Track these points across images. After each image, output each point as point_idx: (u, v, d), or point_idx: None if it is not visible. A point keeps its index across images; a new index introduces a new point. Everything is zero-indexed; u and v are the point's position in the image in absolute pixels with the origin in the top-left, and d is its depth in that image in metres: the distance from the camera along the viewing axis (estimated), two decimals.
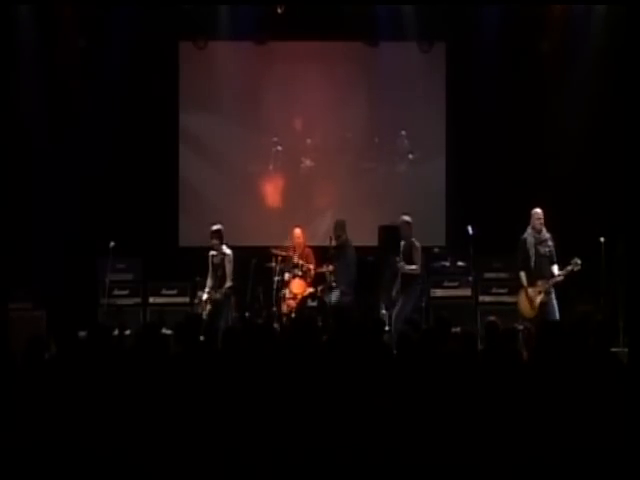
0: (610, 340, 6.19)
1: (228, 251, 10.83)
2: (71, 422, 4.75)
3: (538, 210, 10.17)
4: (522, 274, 10.12)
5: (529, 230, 10.20)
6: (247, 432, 4.63)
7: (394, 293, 10.64)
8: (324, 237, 11.61)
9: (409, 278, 10.58)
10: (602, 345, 6.01)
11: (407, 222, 10.72)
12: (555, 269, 9.99)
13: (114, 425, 4.72)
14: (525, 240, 10.15)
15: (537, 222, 10.12)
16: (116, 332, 7.71)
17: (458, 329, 8.46)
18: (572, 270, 9.82)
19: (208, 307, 10.70)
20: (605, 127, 11.81)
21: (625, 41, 10.80)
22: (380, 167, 13.12)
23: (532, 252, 10.07)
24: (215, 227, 10.85)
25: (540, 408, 4.85)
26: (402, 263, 10.56)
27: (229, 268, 10.78)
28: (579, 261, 9.77)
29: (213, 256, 10.87)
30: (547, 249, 10.07)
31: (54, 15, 12.10)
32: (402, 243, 10.73)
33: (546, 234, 10.13)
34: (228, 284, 10.79)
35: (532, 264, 10.06)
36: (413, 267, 10.54)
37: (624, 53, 10.90)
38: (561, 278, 9.92)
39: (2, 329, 8.37)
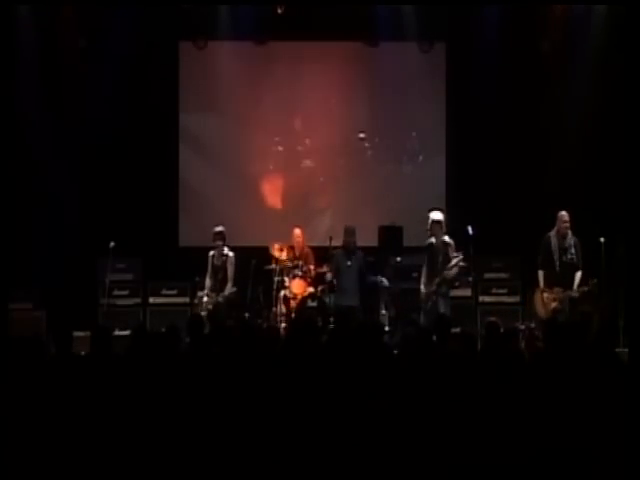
0: (612, 340, 6.18)
1: (230, 253, 10.78)
2: (71, 422, 4.75)
3: (564, 213, 9.95)
4: (540, 274, 9.97)
5: (554, 231, 10.06)
6: (247, 433, 4.63)
7: (425, 292, 10.14)
8: (324, 237, 11.61)
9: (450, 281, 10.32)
10: (604, 345, 6.02)
11: (437, 221, 10.26)
12: (578, 276, 9.84)
13: (113, 426, 4.72)
14: (549, 242, 9.98)
15: (563, 226, 9.90)
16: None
17: (458, 329, 8.48)
18: (589, 290, 9.74)
19: (209, 308, 10.58)
20: (605, 127, 11.80)
21: (625, 41, 10.79)
22: (380, 167, 13.11)
23: (556, 256, 9.91)
24: (218, 228, 10.80)
25: (541, 408, 4.85)
26: (449, 271, 10.07)
27: (231, 270, 10.74)
28: (597, 283, 9.69)
29: (214, 257, 10.81)
30: (570, 256, 9.89)
31: (54, 15, 12.10)
32: (441, 241, 10.19)
33: (571, 240, 9.93)
34: (232, 289, 10.68)
35: (557, 268, 9.93)
36: (456, 271, 10.17)
37: (624, 53, 10.89)
38: (576, 295, 9.83)
39: (2, 329, 8.34)
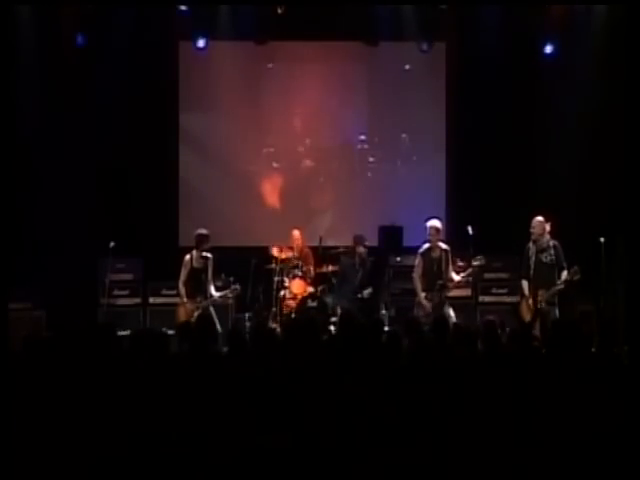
0: (612, 340, 6.19)
1: (209, 254, 10.14)
2: (70, 423, 4.75)
3: (534, 219, 9.89)
4: (524, 283, 9.91)
5: (531, 240, 10.06)
6: (246, 433, 4.63)
7: (427, 306, 9.88)
8: (325, 237, 11.65)
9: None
10: (605, 346, 6.03)
11: (437, 228, 10.16)
12: (564, 275, 9.71)
13: (114, 426, 4.72)
14: (528, 249, 10.00)
15: (532, 231, 9.87)
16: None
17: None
18: (571, 279, 9.69)
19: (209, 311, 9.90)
20: (605, 126, 11.80)
21: (625, 41, 10.80)
22: (380, 167, 13.13)
23: (532, 261, 9.90)
24: (205, 231, 10.24)
25: (540, 408, 4.85)
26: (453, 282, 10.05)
27: (211, 272, 10.12)
28: (578, 270, 9.64)
29: (192, 259, 10.09)
30: (549, 257, 9.87)
31: (54, 15, 12.10)
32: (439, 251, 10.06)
33: (549, 242, 9.93)
34: (234, 286, 10.39)
35: (531, 273, 9.91)
36: (459, 278, 10.08)
37: (624, 53, 10.90)
38: (561, 287, 9.76)
39: (2, 329, 8.35)
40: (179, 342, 6.41)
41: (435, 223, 10.18)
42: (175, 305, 10.45)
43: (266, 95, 13.01)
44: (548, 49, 12.45)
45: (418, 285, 10.08)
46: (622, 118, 11.21)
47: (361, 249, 11.17)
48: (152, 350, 5.92)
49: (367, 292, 11.06)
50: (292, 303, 11.30)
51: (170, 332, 7.53)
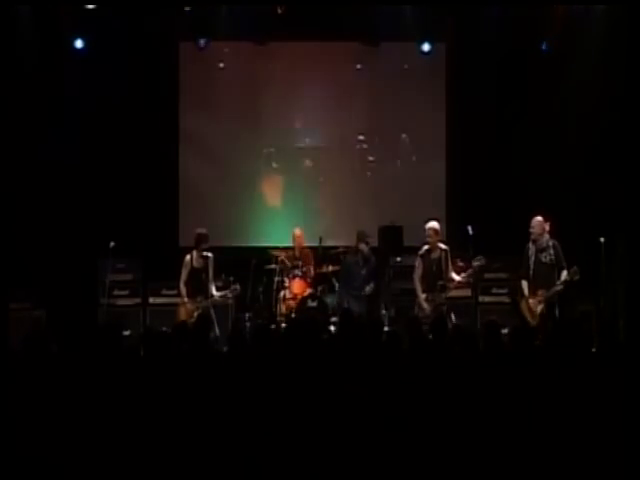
0: (612, 340, 6.19)
1: (210, 254, 10.21)
2: (71, 422, 4.75)
3: (534, 218, 9.91)
4: (523, 283, 9.91)
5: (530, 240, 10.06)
6: (246, 432, 4.63)
7: (427, 308, 9.92)
8: (325, 237, 11.63)
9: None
10: (605, 346, 6.03)
11: (434, 229, 10.20)
12: (564, 275, 9.72)
13: (114, 425, 4.73)
14: (527, 249, 10.01)
15: (531, 231, 9.89)
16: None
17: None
18: (571, 279, 9.69)
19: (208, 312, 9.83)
20: (605, 127, 11.80)
21: (625, 41, 10.80)
22: (380, 167, 13.13)
23: (532, 261, 9.91)
24: (204, 230, 10.34)
25: (539, 407, 4.85)
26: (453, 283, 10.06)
27: (212, 272, 10.19)
28: (578, 270, 9.63)
29: (192, 259, 10.18)
30: (549, 257, 9.87)
31: (54, 15, 12.10)
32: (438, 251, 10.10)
33: (549, 242, 9.94)
34: (234, 286, 10.41)
35: (531, 273, 9.92)
36: (459, 278, 10.10)
37: (624, 53, 10.89)
38: (560, 287, 9.76)
39: (2, 329, 8.34)
40: (175, 342, 6.41)
41: (433, 225, 10.21)
42: (175, 305, 10.48)
43: (266, 95, 13.00)
44: (548, 49, 12.45)
45: (418, 286, 10.12)
46: (622, 118, 11.19)
47: (363, 246, 11.21)
48: (156, 350, 5.92)
49: (369, 288, 11.14)
50: (292, 303, 11.30)
51: None
